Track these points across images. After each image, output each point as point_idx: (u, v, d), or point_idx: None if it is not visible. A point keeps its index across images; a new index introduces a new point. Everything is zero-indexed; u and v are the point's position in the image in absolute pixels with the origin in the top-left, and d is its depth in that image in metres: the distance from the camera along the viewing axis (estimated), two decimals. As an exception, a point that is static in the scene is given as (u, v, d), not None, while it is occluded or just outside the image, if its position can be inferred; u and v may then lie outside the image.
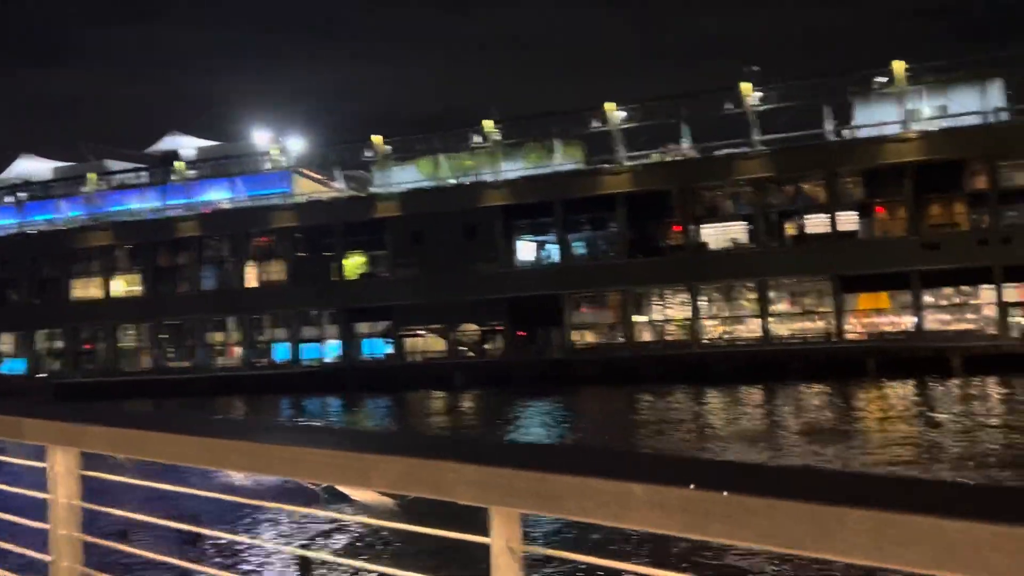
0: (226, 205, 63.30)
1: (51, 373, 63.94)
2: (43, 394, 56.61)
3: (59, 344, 66.07)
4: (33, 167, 73.85)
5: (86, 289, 65.55)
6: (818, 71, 50.52)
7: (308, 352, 59.74)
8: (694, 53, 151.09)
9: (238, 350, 61.45)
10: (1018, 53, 45.73)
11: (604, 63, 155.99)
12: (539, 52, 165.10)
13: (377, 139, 58.31)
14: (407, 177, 58.64)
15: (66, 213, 67.60)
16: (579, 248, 54.72)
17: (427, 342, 57.26)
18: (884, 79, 48.13)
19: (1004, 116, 46.75)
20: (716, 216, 51.63)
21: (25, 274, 66.56)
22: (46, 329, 66.09)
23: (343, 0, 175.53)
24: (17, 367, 65.59)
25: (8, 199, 70.38)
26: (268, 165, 62.98)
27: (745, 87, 49.60)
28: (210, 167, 65.93)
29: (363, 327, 58.86)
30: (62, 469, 2.90)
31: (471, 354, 55.87)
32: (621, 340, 52.28)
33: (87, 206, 66.61)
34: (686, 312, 51.29)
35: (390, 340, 57.89)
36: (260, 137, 66.26)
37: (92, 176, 66.71)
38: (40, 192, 69.86)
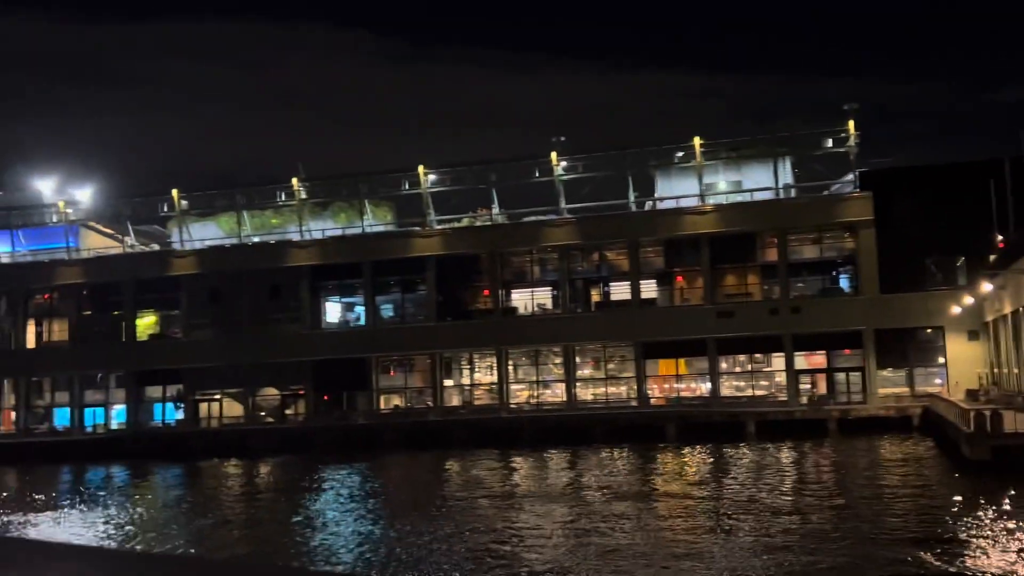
0: (4, 259, 58.70)
1: None
2: None
3: None
4: None
5: None
6: (616, 145, 51.88)
7: (92, 417, 55.69)
8: (499, 119, 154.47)
9: (13, 415, 56.62)
10: (805, 132, 48.74)
11: (415, 127, 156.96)
12: (343, 111, 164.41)
13: (175, 193, 55.69)
14: (207, 234, 56.29)
15: None
16: (388, 310, 53.82)
17: (224, 407, 54.51)
18: (683, 154, 50.11)
19: (792, 192, 49.57)
20: (524, 281, 52.02)
21: None
22: None
23: (129, 49, 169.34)
24: None
25: None
26: (54, 218, 58.92)
27: (553, 156, 50.50)
28: (-11, 218, 61.02)
29: (154, 391, 55.58)
30: None
31: (271, 419, 53.58)
32: (429, 404, 51.47)
33: None
34: (494, 376, 51.10)
35: (183, 404, 54.81)
36: (44, 187, 61.96)
37: None
38: None
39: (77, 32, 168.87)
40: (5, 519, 27.77)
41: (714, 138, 50.17)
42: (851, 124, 46.75)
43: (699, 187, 49.26)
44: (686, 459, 38.14)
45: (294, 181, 54.24)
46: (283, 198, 55.60)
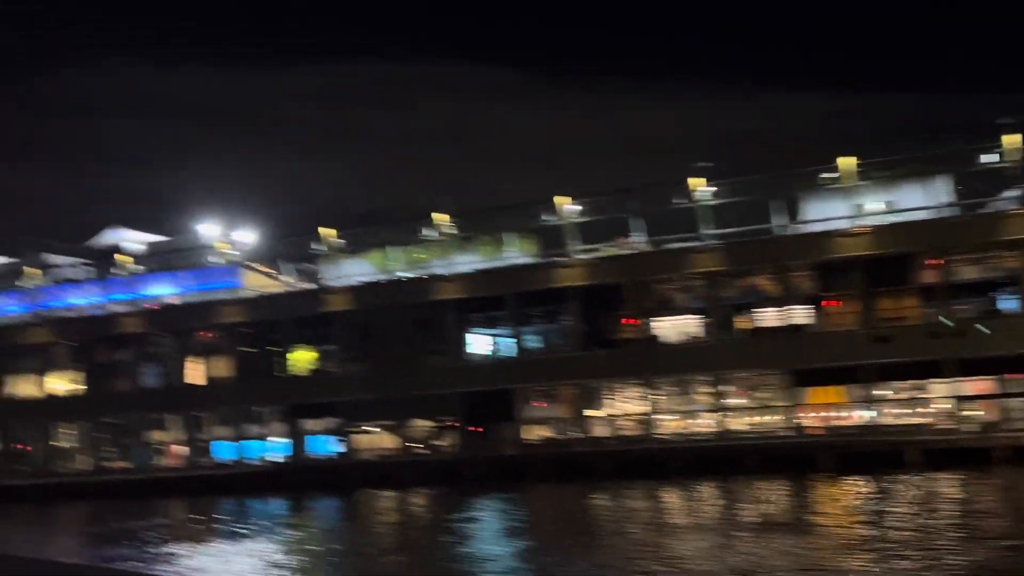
0: (172, 300, 61.95)
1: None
2: (-29, 497, 54.09)
3: (-9, 444, 63.51)
4: (-29, 263, 71.98)
5: (22, 387, 63.45)
6: (760, 168, 50.83)
7: (253, 450, 57.89)
8: (638, 147, 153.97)
9: (181, 449, 59.38)
10: (960, 148, 46.59)
11: (553, 157, 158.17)
12: (486, 146, 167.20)
13: (326, 232, 57.70)
14: (357, 270, 57.95)
15: (4, 308, 65.69)
16: (532, 341, 54.04)
17: (377, 439, 55.77)
18: (831, 175, 48.70)
19: (952, 211, 47.34)
20: (669, 309, 51.36)
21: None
22: (-22, 429, 63.59)
23: (284, 95, 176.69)
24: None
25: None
26: (215, 259, 61.90)
27: (695, 182, 49.94)
28: (155, 261, 64.64)
29: (311, 424, 57.31)
30: None
31: (423, 451, 54.47)
32: (575, 435, 51.30)
33: (26, 301, 64.83)
34: (641, 406, 50.57)
35: (338, 437, 56.34)
36: (207, 230, 65.24)
37: (31, 271, 65.13)
38: (-23, 288, 67.95)
39: (230, 80, 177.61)
40: (173, 549, 29.08)
41: (861, 158, 48.54)
42: (1017, 138, 44.46)
43: (849, 208, 47.74)
44: (845, 489, 36.75)
45: (439, 216, 55.35)
46: (429, 234, 56.80)
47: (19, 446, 63.03)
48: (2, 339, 63.52)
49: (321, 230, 57.83)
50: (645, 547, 24.25)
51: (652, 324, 51.12)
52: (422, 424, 55.01)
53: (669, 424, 50.42)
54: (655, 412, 50.08)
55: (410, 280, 56.07)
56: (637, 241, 52.32)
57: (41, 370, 62.93)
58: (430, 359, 54.14)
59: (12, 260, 70.22)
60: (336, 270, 57.86)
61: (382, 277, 56.87)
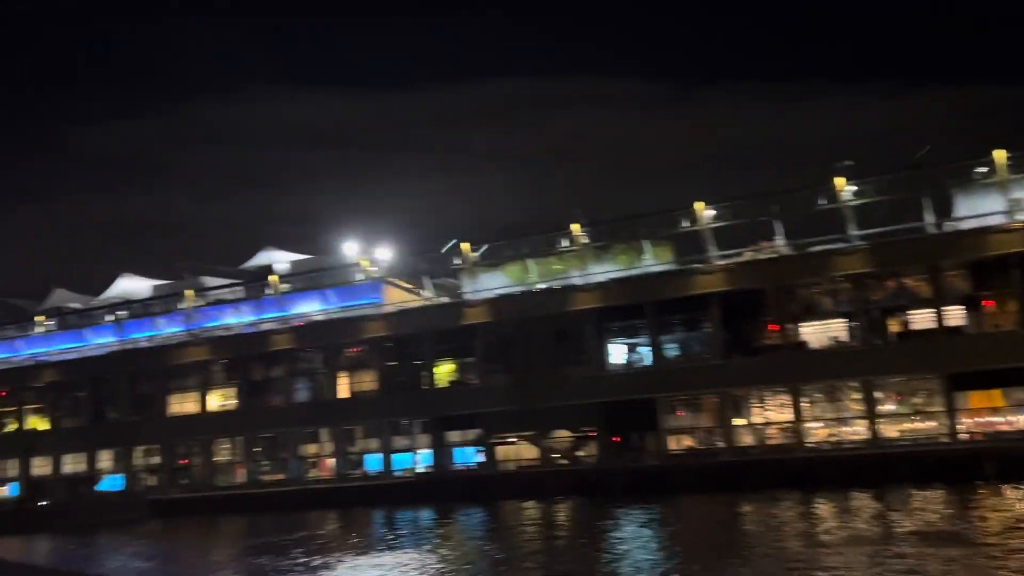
0: (318, 317, 63.98)
1: (147, 489, 64.48)
2: (138, 511, 56.98)
3: (155, 460, 66.74)
4: (133, 286, 76.12)
5: (182, 404, 66.45)
6: (905, 165, 48.85)
7: (400, 462, 59.13)
8: (776, 151, 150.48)
9: (331, 462, 61.14)
10: None
11: (689, 165, 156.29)
12: (616, 157, 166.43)
13: (465, 246, 58.54)
14: (496, 283, 58.56)
15: (164, 330, 69.13)
16: (672, 350, 53.46)
17: (519, 450, 56.14)
18: (984, 169, 46.53)
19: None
20: (815, 314, 49.97)
21: (123, 391, 67.93)
22: (143, 445, 66.91)
23: (417, 117, 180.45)
24: (115, 484, 66.37)
25: (108, 318, 72.37)
26: (359, 276, 63.66)
27: (839, 181, 48.51)
28: (302, 280, 66.91)
29: (454, 435, 58.14)
30: None
31: (564, 461, 54.53)
32: (720, 445, 50.43)
33: (184, 322, 68.02)
34: (788, 414, 49.31)
35: (481, 448, 56.98)
36: (350, 249, 67.20)
37: (189, 293, 68.32)
38: (139, 310, 71.72)
39: (362, 103, 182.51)
40: (329, 559, 29.94)
41: (1012, 151, 46.12)
42: None
43: (1005, 203, 45.49)
44: (1008, 498, 34.92)
45: (575, 227, 55.44)
46: (565, 244, 56.96)
47: (181, 461, 66.08)
48: (163, 359, 66.71)
49: (461, 245, 58.68)
50: (798, 560, 23.61)
51: (797, 330, 49.84)
52: (563, 435, 55.08)
53: (818, 432, 49.02)
54: (803, 420, 48.75)
55: (548, 291, 56.30)
56: (779, 245, 51.14)
57: (200, 387, 65.76)
58: (569, 370, 54.17)
59: (172, 282, 74.00)
60: (475, 284, 58.61)
61: (520, 289, 57.29)
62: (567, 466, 53.84)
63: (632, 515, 38.14)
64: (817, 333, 49.74)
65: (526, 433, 55.59)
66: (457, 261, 59.78)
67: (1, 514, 57.10)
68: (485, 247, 59.49)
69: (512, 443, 56.30)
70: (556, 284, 56.53)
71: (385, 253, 64.53)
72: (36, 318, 75.28)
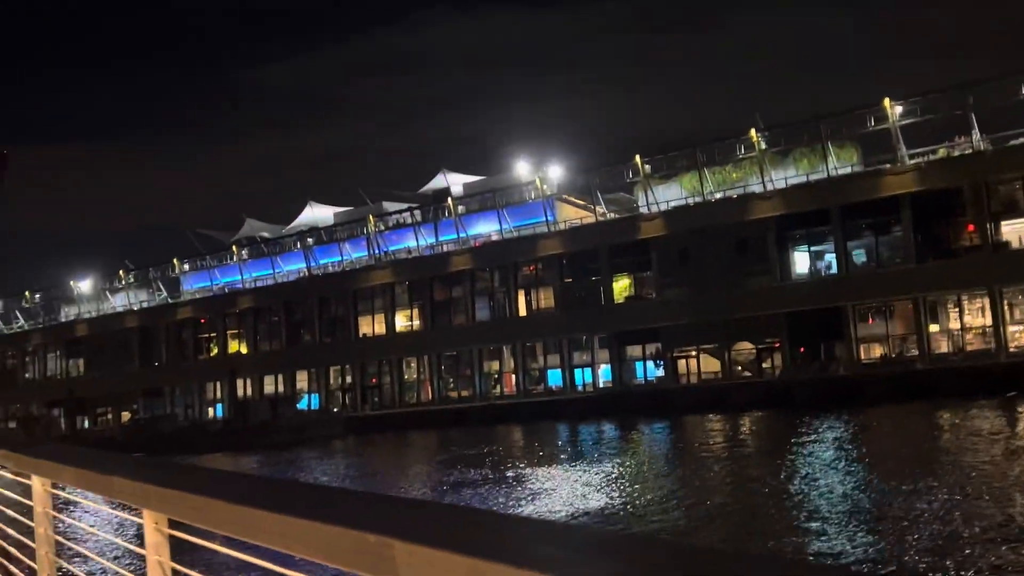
0: (495, 237, 64.79)
1: (342, 407, 67.74)
2: (335, 428, 59.99)
3: (348, 379, 69.86)
4: (318, 214, 79.16)
5: (370, 326, 68.99)
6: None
7: (580, 377, 59.72)
8: (971, 41, 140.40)
9: (513, 378, 62.39)
10: None
11: (870, 61, 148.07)
12: (791, 59, 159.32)
13: (638, 159, 57.66)
14: (671, 195, 57.61)
15: (349, 255, 71.72)
16: (860, 256, 51.35)
17: (700, 363, 55.63)
18: None
19: None
20: (1017, 212, 46.80)
21: (315, 315, 71.10)
22: (336, 365, 70.09)
23: (584, 30, 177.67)
24: (312, 403, 70.05)
25: (297, 245, 75.63)
26: (532, 195, 63.88)
27: (1042, 67, 44.78)
28: (478, 201, 67.79)
29: (634, 350, 58.12)
30: (151, 528, 2.96)
31: (747, 374, 53.69)
32: (913, 353, 48.38)
33: (368, 247, 70.30)
34: (987, 319, 46.71)
35: (661, 362, 56.78)
36: (522, 168, 67.56)
37: (371, 218, 70.40)
38: (325, 236, 74.58)
39: (531, 21, 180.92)
40: (520, 471, 30.64)
41: None
42: None
43: None
44: None
45: (752, 132, 53.61)
46: (742, 151, 55.27)
47: (372, 380, 68.95)
48: (350, 282, 69.32)
49: (636, 158, 57.85)
50: (1007, 473, 22.42)
51: (997, 229, 46.87)
52: (745, 347, 54.16)
53: (1020, 337, 46.26)
54: (1004, 324, 46.07)
55: (726, 201, 54.94)
56: (975, 140, 47.92)
57: (386, 309, 68.08)
58: (751, 280, 52.99)
59: (354, 209, 76.49)
60: (650, 196, 57.80)
61: (697, 200, 56.14)
62: (751, 378, 53.02)
63: (823, 428, 37.21)
64: (1019, 232, 46.66)
65: (707, 346, 54.96)
66: (630, 175, 59.04)
67: (210, 433, 61.22)
68: (659, 158, 58.45)
69: (693, 356, 55.83)
70: (734, 193, 55.06)
71: (557, 171, 64.46)
72: (231, 248, 79.47)
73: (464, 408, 61.12)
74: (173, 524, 2.99)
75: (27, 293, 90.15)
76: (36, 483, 3.54)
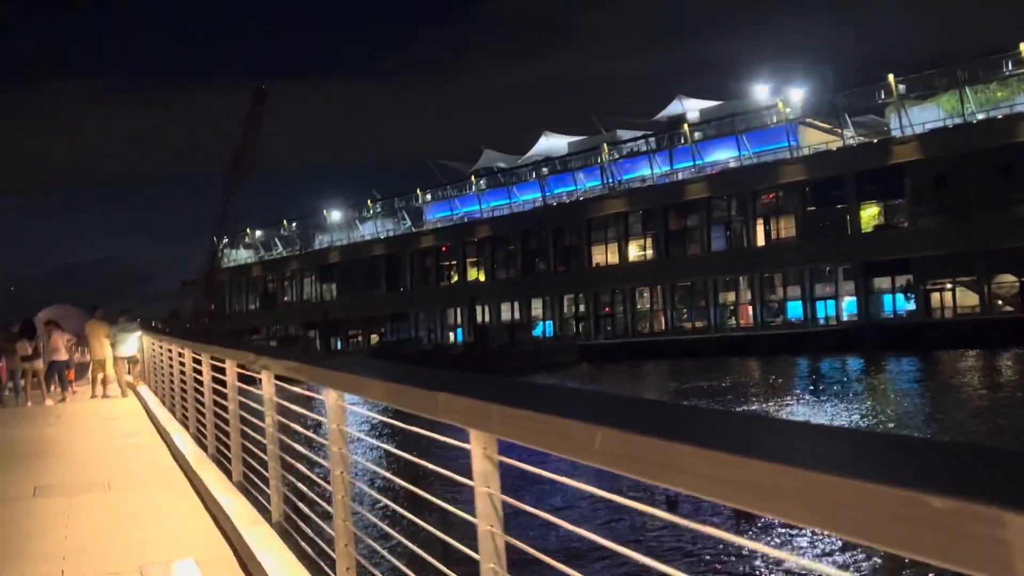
0: (732, 164, 62.87)
1: (575, 335, 68.48)
2: (569, 355, 60.80)
3: (582, 308, 70.44)
4: (553, 144, 79.63)
5: (604, 255, 69.01)
6: None
7: (823, 309, 57.40)
8: None
9: (750, 310, 60.82)
10: None
11: None
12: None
13: (891, 78, 53.98)
14: (927, 117, 53.67)
15: (583, 184, 71.79)
16: None
17: (956, 296, 52.04)
18: None
19: None
20: None
21: (549, 244, 71.87)
22: (570, 294, 70.78)
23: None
24: (547, 330, 71.24)
25: (532, 175, 76.49)
26: (772, 119, 61.34)
27: None
28: (714, 127, 65.90)
29: (881, 282, 55.13)
30: (479, 452, 2.64)
31: (1009, 308, 49.74)
32: None
33: (602, 176, 70.08)
34: None
35: (912, 295, 53.56)
36: (762, 91, 64.97)
37: (605, 147, 70.01)
38: (559, 166, 74.94)
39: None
40: (758, 407, 29.91)
41: None
42: None
43: None
44: None
45: (1022, 47, 48.84)
46: (1009, 68, 50.56)
47: (606, 309, 69.22)
48: (584, 212, 69.47)
49: (889, 77, 54.22)
50: None
51: None
52: (1008, 279, 50.12)
53: None
54: None
55: (990, 122, 50.56)
56: None
57: (619, 239, 67.83)
58: (1017, 208, 48.73)
59: (588, 138, 76.36)
60: (904, 119, 54.09)
61: (957, 122, 52.02)
62: (1013, 313, 49.10)
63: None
64: None
65: (964, 278, 51.29)
66: (882, 96, 55.44)
67: (451, 356, 63.61)
68: (914, 77, 54.49)
69: (948, 289, 52.30)
70: (999, 114, 50.56)
71: (799, 93, 61.49)
72: (470, 178, 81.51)
73: (698, 339, 60.23)
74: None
75: (284, 222, 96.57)
76: (330, 397, 3.54)
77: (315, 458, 4.40)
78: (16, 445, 11.80)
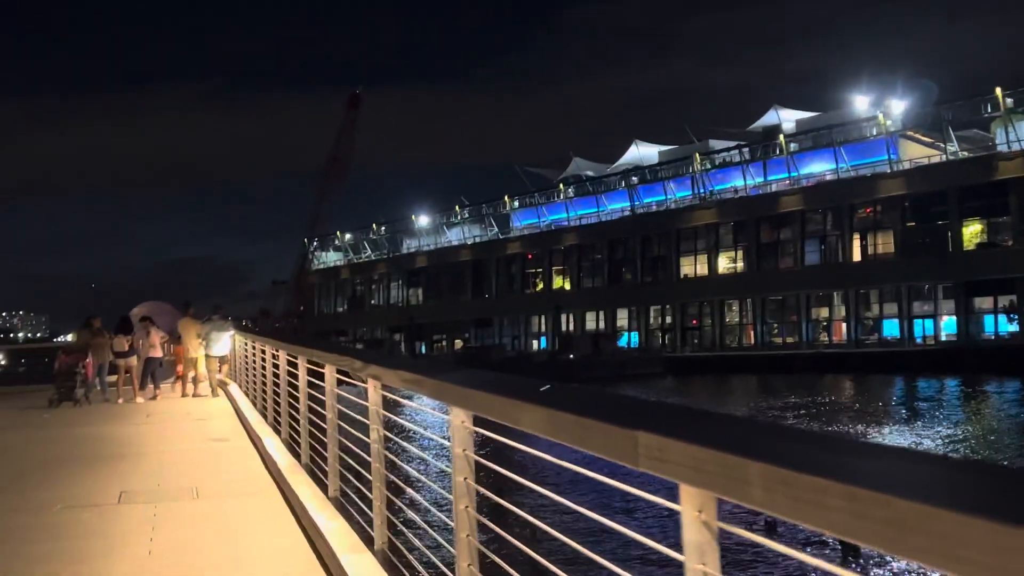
0: (829, 176, 61.24)
1: (661, 347, 67.40)
2: (654, 366, 59.83)
3: (668, 319, 69.33)
4: (643, 152, 78.69)
5: (693, 266, 67.85)
6: None
7: (920, 329, 55.42)
8: None
9: (844, 326, 59.08)
10: None
11: None
12: None
13: (999, 91, 51.92)
14: (1037, 132, 51.45)
15: (673, 194, 70.72)
16: None
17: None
18: None
19: None
20: None
21: (637, 254, 70.93)
22: (656, 305, 69.74)
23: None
24: (632, 340, 70.31)
25: (622, 184, 75.65)
26: (872, 131, 59.54)
27: None
28: (811, 138, 64.27)
29: (982, 302, 53.04)
30: (690, 515, 2.22)
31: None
32: None
33: (692, 186, 68.94)
34: None
35: (1015, 316, 51.37)
36: (861, 103, 63.18)
37: (697, 156, 68.85)
38: (649, 176, 73.98)
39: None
40: (850, 429, 28.78)
41: None
42: None
43: None
44: None
45: None
46: None
47: (692, 321, 68.02)
48: (673, 222, 68.40)
49: (996, 91, 52.16)
50: None
51: None
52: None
53: None
54: None
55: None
56: None
57: (709, 250, 66.60)
58: None
59: (680, 147, 75.26)
60: (1010, 134, 51.94)
61: (1068, 137, 49.76)
62: None
63: None
64: None
65: (1076, 300, 48.98)
66: (988, 109, 53.34)
67: (535, 364, 63.17)
68: (1022, 91, 52.35)
69: (1057, 311, 50.01)
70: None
71: (900, 105, 59.62)
72: (558, 186, 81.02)
73: (788, 355, 58.68)
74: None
75: (374, 225, 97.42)
76: (457, 417, 3.11)
77: (427, 481, 3.97)
78: (104, 444, 11.69)
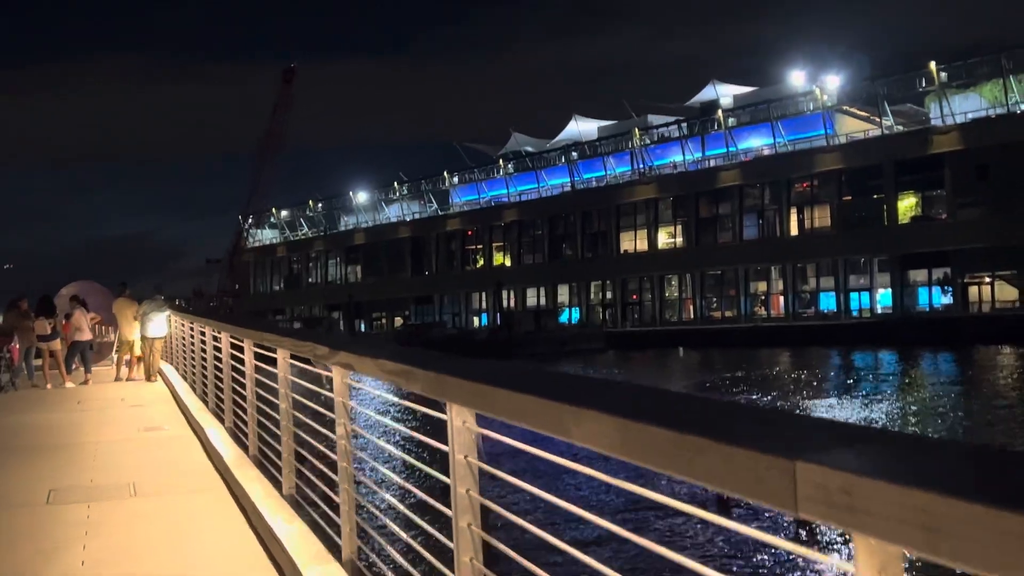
0: (766, 151, 61.59)
1: (602, 322, 67.46)
2: (595, 342, 59.85)
3: (609, 295, 69.40)
4: (583, 128, 78.36)
5: (632, 241, 67.92)
6: None
7: (856, 301, 56.16)
8: None
9: (781, 300, 59.65)
10: None
11: None
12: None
13: (932, 66, 52.55)
14: (968, 106, 52.25)
15: (613, 169, 70.61)
16: None
17: (994, 290, 50.73)
18: None
19: None
20: None
21: (577, 229, 70.78)
22: (597, 280, 69.74)
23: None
24: (573, 316, 70.27)
25: (561, 159, 75.31)
26: (809, 106, 59.98)
27: None
28: (748, 113, 64.56)
29: (917, 274, 53.89)
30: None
31: (1052, 303, 48.42)
32: None
33: (632, 161, 68.87)
34: None
35: (949, 288, 52.30)
36: (798, 78, 63.58)
37: (636, 132, 68.77)
38: (589, 151, 73.75)
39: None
40: (789, 402, 28.91)
41: None
42: None
43: None
44: None
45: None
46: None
47: (633, 296, 68.16)
48: (612, 197, 68.31)
49: (930, 65, 52.78)
50: None
51: None
52: (1052, 274, 48.77)
53: None
54: None
55: (1035, 112, 49.11)
56: None
57: (648, 225, 66.68)
58: (1062, 201, 47.34)
59: (619, 122, 75.06)
60: (945, 108, 52.68)
61: (1000, 112, 50.58)
62: (1055, 309, 47.79)
63: None
64: None
65: (1005, 272, 50.00)
66: (922, 84, 54.02)
67: (476, 342, 62.77)
68: (957, 66, 53.05)
69: (986, 283, 51.02)
70: (1048, 103, 49.13)
71: (836, 80, 60.10)
72: (498, 162, 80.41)
73: (727, 329, 59.18)
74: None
75: (311, 202, 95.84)
76: (457, 416, 2.51)
77: (408, 485, 3.50)
78: (32, 434, 10.96)
